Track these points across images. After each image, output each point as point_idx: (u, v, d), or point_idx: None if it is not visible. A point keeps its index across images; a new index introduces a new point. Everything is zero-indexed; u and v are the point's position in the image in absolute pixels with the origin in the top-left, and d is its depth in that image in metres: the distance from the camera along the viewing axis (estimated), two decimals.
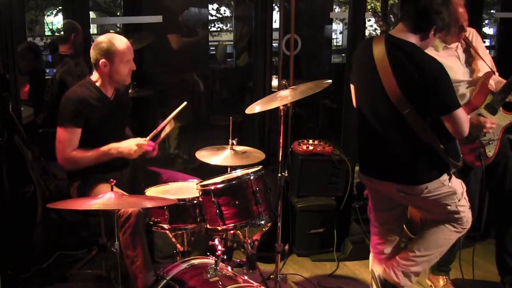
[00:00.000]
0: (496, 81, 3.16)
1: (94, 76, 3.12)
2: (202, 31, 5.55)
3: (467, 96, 3.12)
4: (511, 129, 3.25)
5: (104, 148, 3.03)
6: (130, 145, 3.05)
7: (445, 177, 2.64)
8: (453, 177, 2.67)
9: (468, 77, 3.12)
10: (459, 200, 2.70)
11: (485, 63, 3.13)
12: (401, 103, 2.47)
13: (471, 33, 3.20)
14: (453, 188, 2.67)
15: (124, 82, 3.13)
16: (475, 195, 3.23)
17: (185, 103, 3.13)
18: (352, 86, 2.80)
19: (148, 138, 3.12)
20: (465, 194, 2.75)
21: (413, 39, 2.53)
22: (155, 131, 3.16)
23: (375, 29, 10.23)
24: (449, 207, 2.69)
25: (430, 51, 2.92)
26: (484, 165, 3.09)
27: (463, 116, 2.50)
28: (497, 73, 3.22)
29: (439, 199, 2.66)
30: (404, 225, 3.62)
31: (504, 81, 3.09)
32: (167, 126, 3.15)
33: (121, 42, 3.03)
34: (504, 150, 3.25)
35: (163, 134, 3.19)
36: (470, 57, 3.17)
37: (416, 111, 2.47)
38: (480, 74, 3.11)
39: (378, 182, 2.73)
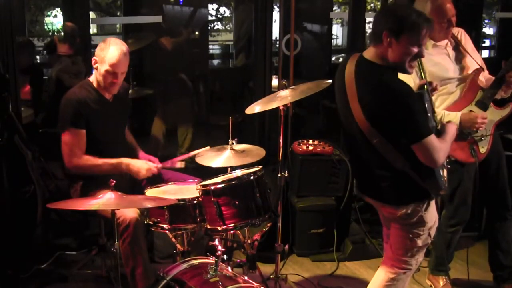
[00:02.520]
0: (487, 79, 3.17)
1: (92, 77, 3.12)
2: (202, 33, 5.55)
3: (457, 94, 3.13)
4: (504, 126, 3.26)
5: (114, 161, 3.03)
6: (141, 168, 3.05)
7: (423, 203, 2.50)
8: (431, 207, 2.54)
9: (458, 75, 3.13)
10: (423, 234, 2.55)
11: (475, 61, 3.14)
12: (369, 132, 2.34)
13: (460, 32, 3.21)
14: (424, 218, 2.51)
15: (107, 90, 3.09)
16: (468, 192, 3.25)
17: (208, 147, 3.15)
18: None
19: (160, 166, 3.15)
20: (432, 230, 2.60)
21: (380, 62, 2.37)
22: (169, 164, 3.18)
23: None
24: (411, 236, 2.55)
25: None
26: (478, 161, 3.09)
27: (435, 143, 2.31)
28: (487, 71, 3.23)
29: (408, 227, 2.54)
30: None
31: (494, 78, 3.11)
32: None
33: (114, 51, 2.98)
34: (497, 147, 3.26)
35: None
36: (459, 55, 3.17)
37: (387, 140, 2.33)
38: (470, 71, 3.12)
39: (368, 198, 2.67)
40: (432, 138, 2.31)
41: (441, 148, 2.35)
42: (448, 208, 3.31)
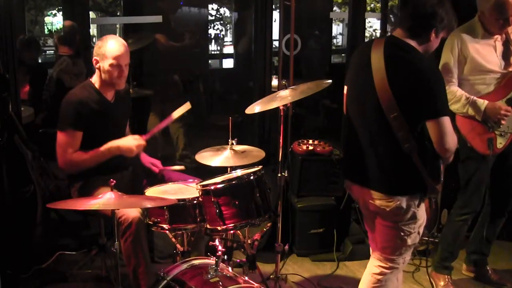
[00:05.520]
0: None
1: (94, 78, 3.12)
2: (202, 33, 5.55)
3: (492, 87, 3.15)
4: None
5: (103, 148, 3.02)
6: (130, 144, 3.05)
7: (416, 199, 2.51)
8: (422, 204, 2.55)
9: (500, 69, 3.15)
10: (414, 232, 2.55)
11: None
12: (390, 105, 2.39)
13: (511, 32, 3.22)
14: (416, 215, 2.52)
15: (115, 85, 3.09)
16: (483, 182, 3.27)
17: (188, 103, 3.13)
18: (345, 88, 2.71)
19: (147, 137, 3.13)
20: (421, 228, 2.60)
21: (412, 43, 2.47)
22: (155, 131, 3.17)
23: (375, 29, 10.25)
24: (402, 234, 2.54)
25: (469, 37, 3.05)
26: (491, 154, 3.12)
27: (449, 126, 2.37)
28: None
29: (400, 218, 2.53)
30: None
31: None
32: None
33: (114, 45, 3.00)
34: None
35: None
36: (508, 52, 3.18)
37: (404, 116, 2.38)
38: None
39: (357, 187, 2.66)
40: (448, 120, 2.37)
41: (452, 134, 2.41)
42: (462, 196, 3.35)
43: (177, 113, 3.17)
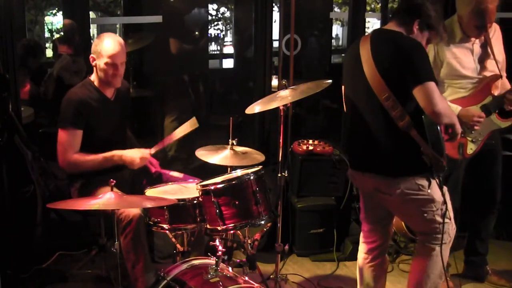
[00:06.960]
0: (503, 87, 3.16)
1: (93, 76, 3.13)
2: (202, 33, 5.54)
3: (469, 91, 3.13)
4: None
5: (107, 154, 3.03)
6: (134, 156, 3.06)
7: (423, 181, 2.55)
8: (434, 184, 2.57)
9: (476, 74, 3.13)
10: (437, 209, 2.59)
11: (496, 65, 3.12)
12: (380, 88, 2.49)
13: (494, 30, 3.19)
14: (431, 196, 2.57)
15: (110, 84, 3.10)
16: (459, 180, 3.29)
17: (194, 120, 3.13)
18: (343, 87, 2.83)
19: (153, 150, 3.13)
20: (448, 204, 2.63)
21: (399, 30, 2.60)
22: (160, 146, 3.16)
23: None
24: (425, 215, 2.60)
25: (446, 40, 2.99)
26: (460, 160, 3.12)
27: (436, 91, 2.42)
28: (504, 74, 3.21)
29: (416, 204, 2.58)
30: (403, 225, 3.64)
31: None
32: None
33: (110, 43, 3.00)
34: (494, 145, 3.27)
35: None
36: (485, 54, 3.14)
37: (395, 95, 2.47)
38: (488, 74, 3.12)
39: (360, 175, 2.74)
40: (433, 84, 2.43)
41: (441, 99, 2.47)
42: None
43: (180, 130, 3.16)
